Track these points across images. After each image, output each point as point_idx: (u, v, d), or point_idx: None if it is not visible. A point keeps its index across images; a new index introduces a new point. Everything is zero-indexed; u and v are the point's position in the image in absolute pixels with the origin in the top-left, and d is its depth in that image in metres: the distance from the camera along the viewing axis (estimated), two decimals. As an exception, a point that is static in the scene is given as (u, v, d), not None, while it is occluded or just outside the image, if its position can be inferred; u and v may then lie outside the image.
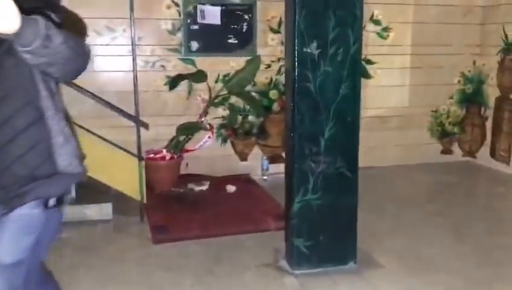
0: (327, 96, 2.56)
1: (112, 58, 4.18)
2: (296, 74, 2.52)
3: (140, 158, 3.43)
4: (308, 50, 2.52)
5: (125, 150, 3.48)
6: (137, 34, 4.16)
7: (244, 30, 4.46)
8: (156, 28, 4.26)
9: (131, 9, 3.28)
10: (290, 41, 2.59)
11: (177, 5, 4.27)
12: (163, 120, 4.38)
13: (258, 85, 4.58)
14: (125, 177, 3.42)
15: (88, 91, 3.44)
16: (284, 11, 2.71)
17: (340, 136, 2.62)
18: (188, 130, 4.25)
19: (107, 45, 4.14)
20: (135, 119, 3.40)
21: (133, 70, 3.33)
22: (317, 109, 2.56)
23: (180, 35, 4.31)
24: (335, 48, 2.54)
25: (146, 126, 3.66)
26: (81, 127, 3.24)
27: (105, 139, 3.43)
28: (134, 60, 3.33)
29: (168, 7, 4.26)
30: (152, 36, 4.25)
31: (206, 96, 4.43)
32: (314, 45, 2.52)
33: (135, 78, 3.36)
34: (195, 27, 4.33)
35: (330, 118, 2.59)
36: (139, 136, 3.41)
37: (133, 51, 3.34)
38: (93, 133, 3.40)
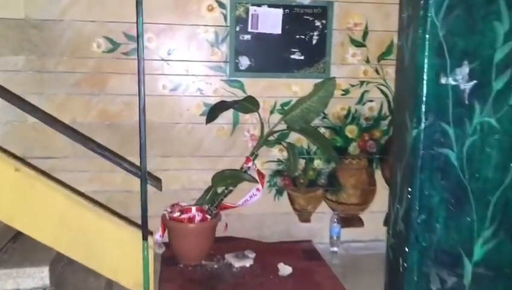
0: (484, 176, 1.26)
1: (127, 78, 3.04)
2: (422, 127, 1.24)
3: (146, 234, 2.23)
4: (451, 80, 1.23)
5: (122, 217, 2.32)
6: (166, 46, 3.02)
7: (314, 42, 3.20)
8: (193, 38, 3.09)
9: (139, 5, 2.10)
10: (410, 62, 1.31)
11: (222, 5, 3.09)
12: (197, 163, 3.19)
13: (330, 118, 3.30)
14: (121, 261, 2.25)
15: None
16: (399, 4, 1.42)
17: (507, 256, 1.29)
18: (230, 179, 3.03)
19: (124, 58, 3.02)
20: (140, 173, 2.21)
21: (139, 96, 2.16)
22: (462, 201, 1.27)
23: (225, 48, 3.12)
24: (507, 78, 1.23)
25: (158, 184, 2.48)
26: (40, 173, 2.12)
27: (88, 198, 2.28)
28: (140, 82, 2.16)
29: (210, 9, 3.08)
30: (186, 48, 3.09)
31: (257, 132, 3.20)
32: (465, 70, 1.22)
33: (141, 109, 2.18)
34: (247, 37, 3.13)
35: (487, 221, 1.28)
36: (145, 199, 2.22)
37: (140, 70, 2.16)
38: (66, 187, 2.26)
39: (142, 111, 2.10)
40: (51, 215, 2.16)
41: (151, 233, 2.33)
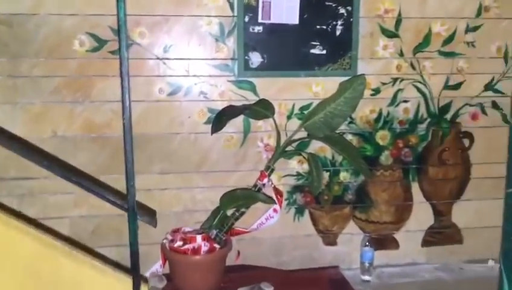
0: None
1: (116, 81, 2.56)
2: None
3: (137, 283, 1.73)
4: None
5: (108, 260, 1.84)
6: (162, 42, 2.53)
7: (337, 33, 2.69)
8: (193, 31, 2.59)
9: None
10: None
11: (227, -8, 2.59)
12: (202, 180, 2.70)
13: (358, 123, 2.80)
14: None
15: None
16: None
17: None
18: (241, 200, 2.53)
19: (111, 57, 2.52)
20: (126, 204, 1.71)
21: (123, 106, 1.67)
22: None
23: (232, 42, 2.62)
24: None
25: (151, 220, 1.98)
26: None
27: (65, 238, 1.79)
28: (124, 89, 1.66)
29: (214, -4, 2.59)
30: (186, 44, 2.59)
31: (272, 142, 2.71)
32: None
33: (126, 126, 1.68)
34: (257, 29, 2.62)
35: None
36: (135, 239, 1.72)
37: (123, 71, 1.67)
38: (37, 225, 1.77)
39: (127, 128, 1.59)
40: (16, 263, 1.68)
41: (146, 281, 1.84)
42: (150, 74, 2.57)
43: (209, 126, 2.53)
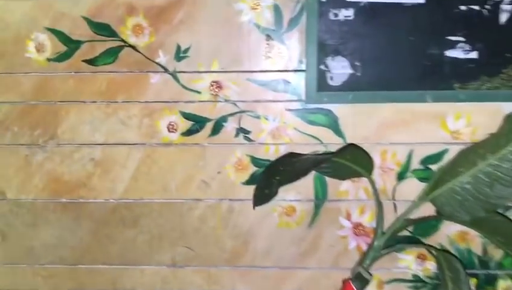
0: None
1: (97, 109, 1.50)
2: None
3: None
4: None
5: None
6: (172, 41, 1.42)
7: (502, 19, 1.39)
8: (227, 21, 1.44)
9: None
10: None
11: (289, -50, 1.41)
12: (240, 281, 1.55)
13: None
14: None
15: None
16: None
17: None
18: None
19: (88, 70, 1.47)
20: None
21: None
22: None
23: (295, 40, 1.43)
24: None
25: None
26: None
27: None
28: None
29: (265, -41, 1.42)
30: (212, 45, 1.45)
31: (367, 220, 1.48)
32: None
33: None
34: (345, 15, 1.41)
35: None
36: None
37: None
38: None
39: None
40: None
41: None
42: (152, 97, 1.48)
43: (251, 189, 1.38)
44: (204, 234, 1.54)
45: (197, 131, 1.49)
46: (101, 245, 1.57)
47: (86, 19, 1.46)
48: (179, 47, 1.45)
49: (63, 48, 1.47)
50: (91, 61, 1.47)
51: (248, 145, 1.48)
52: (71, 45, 1.47)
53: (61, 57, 1.48)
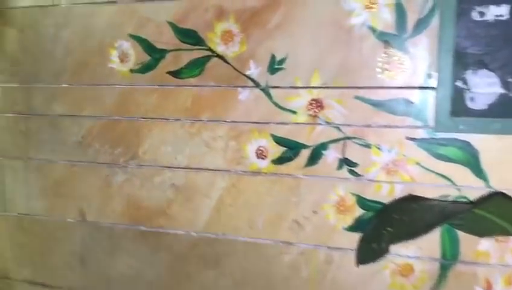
0: None
1: (180, 128, 1.31)
2: None
3: None
4: None
5: None
6: (267, 48, 1.17)
7: None
8: (332, 25, 1.14)
9: None
10: None
11: None
12: None
13: None
14: None
15: None
16: None
17: None
18: None
19: (172, 83, 1.28)
20: None
21: None
22: None
23: (423, 49, 1.08)
24: None
25: None
26: None
27: None
28: None
29: None
30: (315, 54, 1.16)
31: (518, 298, 1.07)
32: None
33: None
34: (495, 14, 1.03)
35: None
36: None
37: None
38: None
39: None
40: None
41: None
42: (240, 117, 1.24)
43: (356, 238, 1.07)
44: (295, 287, 1.26)
45: (290, 159, 1.21)
46: (179, 283, 1.37)
47: (171, 24, 1.27)
48: (273, 57, 1.19)
49: (146, 58, 1.31)
50: (176, 73, 1.29)
51: (354, 180, 1.17)
52: (155, 54, 1.30)
53: (144, 68, 1.31)
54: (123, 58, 1.33)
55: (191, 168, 1.31)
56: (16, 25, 1.42)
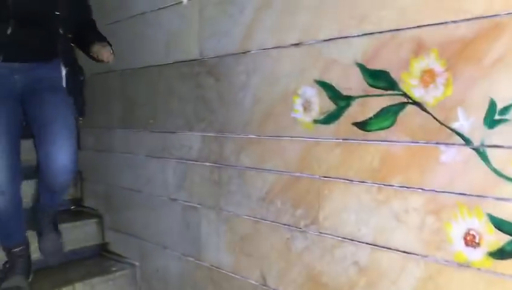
0: None
1: (360, 190, 1.04)
2: None
3: None
4: None
5: None
6: (482, 89, 0.84)
7: None
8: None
9: None
10: None
11: None
12: None
13: None
14: None
15: None
16: None
17: None
18: None
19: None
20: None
21: None
22: None
23: None
24: None
25: None
26: None
27: None
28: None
29: None
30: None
31: None
32: None
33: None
34: None
35: None
36: None
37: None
38: None
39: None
40: None
41: None
42: (443, 185, 0.91)
43: None
44: None
45: (517, 254, 0.81)
46: None
47: (360, 66, 1.04)
48: (492, 104, 0.84)
49: (331, 106, 1.10)
50: (362, 125, 1.04)
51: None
52: (340, 101, 1.08)
53: (328, 118, 1.11)
54: (307, 106, 1.15)
55: (376, 245, 1.03)
56: (213, 74, 1.40)
